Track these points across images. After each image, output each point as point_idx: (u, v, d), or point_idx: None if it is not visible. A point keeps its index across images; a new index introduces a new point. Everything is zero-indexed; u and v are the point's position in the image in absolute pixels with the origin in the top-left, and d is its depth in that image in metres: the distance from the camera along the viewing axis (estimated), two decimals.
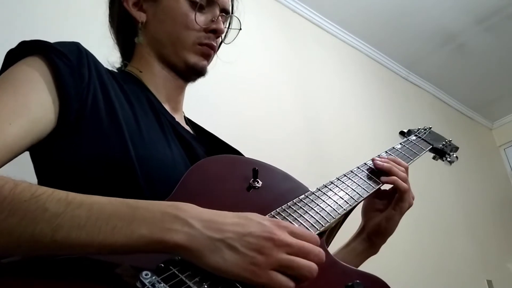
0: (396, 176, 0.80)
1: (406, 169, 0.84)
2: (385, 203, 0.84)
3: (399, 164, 0.83)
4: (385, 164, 0.82)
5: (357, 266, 0.82)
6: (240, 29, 0.89)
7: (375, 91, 2.61)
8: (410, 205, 0.83)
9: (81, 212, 0.45)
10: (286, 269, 0.49)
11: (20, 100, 0.56)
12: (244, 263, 0.47)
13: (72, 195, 0.47)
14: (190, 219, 0.48)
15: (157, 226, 0.46)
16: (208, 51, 0.80)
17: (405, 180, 0.81)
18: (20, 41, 0.64)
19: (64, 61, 0.61)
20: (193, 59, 0.79)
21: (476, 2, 2.43)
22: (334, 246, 0.83)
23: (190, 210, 0.49)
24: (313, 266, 0.50)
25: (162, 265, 0.47)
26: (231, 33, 0.89)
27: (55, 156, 0.61)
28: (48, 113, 0.58)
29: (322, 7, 2.41)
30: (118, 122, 0.63)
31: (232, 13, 0.87)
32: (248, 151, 0.84)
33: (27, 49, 0.62)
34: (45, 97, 0.58)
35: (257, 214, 0.52)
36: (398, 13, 2.48)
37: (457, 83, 3.09)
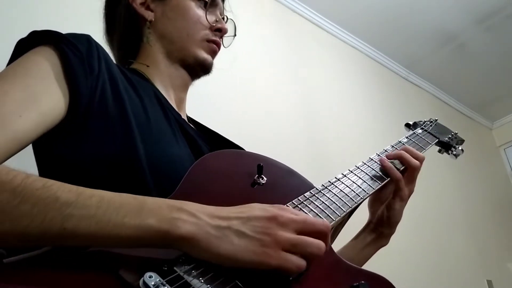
0: (406, 161, 0.82)
1: (421, 159, 0.85)
2: (387, 193, 0.85)
3: (412, 153, 0.84)
4: (392, 153, 0.84)
5: (369, 256, 0.85)
6: (235, 35, 0.93)
7: (375, 91, 2.61)
8: (410, 193, 0.84)
9: (92, 202, 0.45)
10: (295, 248, 0.50)
11: (30, 91, 0.55)
12: (254, 246, 0.47)
13: (81, 188, 0.47)
14: (196, 211, 0.48)
15: (165, 217, 0.47)
16: (215, 48, 0.85)
17: (415, 168, 0.82)
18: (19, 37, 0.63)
19: (75, 52, 0.61)
20: (202, 54, 0.83)
21: (476, 2, 2.43)
22: (339, 245, 0.83)
23: (194, 204, 0.50)
24: (321, 243, 0.52)
25: (166, 267, 0.46)
26: (227, 38, 0.92)
27: (61, 149, 0.60)
28: (58, 105, 0.57)
29: (322, 7, 2.40)
30: (126, 116, 0.63)
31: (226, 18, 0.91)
32: (248, 150, 0.84)
33: (37, 39, 0.61)
34: (55, 89, 0.58)
35: (258, 203, 0.53)
36: (398, 13, 2.48)
37: (457, 83, 3.09)
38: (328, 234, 0.54)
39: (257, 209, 0.51)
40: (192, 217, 0.47)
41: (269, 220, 0.49)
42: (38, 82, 0.56)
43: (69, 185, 0.47)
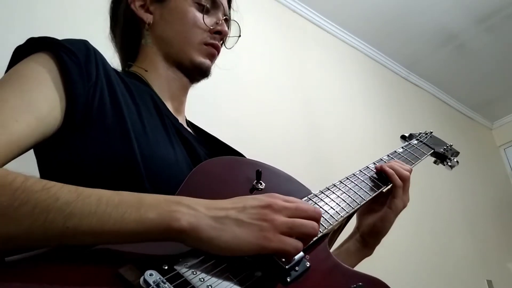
0: (398, 172, 0.82)
1: (409, 171, 0.85)
2: (380, 204, 0.84)
3: (397, 171, 0.84)
4: (386, 165, 0.84)
5: (352, 267, 0.83)
6: (240, 36, 0.92)
7: (375, 91, 2.61)
8: (404, 206, 0.84)
9: (92, 201, 0.46)
10: (292, 230, 0.52)
11: (26, 97, 0.55)
12: (253, 231, 0.50)
13: (81, 188, 0.48)
14: (193, 204, 0.50)
15: (164, 210, 0.48)
16: (213, 51, 0.83)
17: (406, 178, 0.83)
18: (19, 41, 0.64)
19: (72, 59, 0.61)
20: (199, 58, 0.82)
21: (476, 2, 2.43)
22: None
23: (190, 198, 0.52)
24: (315, 223, 0.55)
25: (166, 266, 0.48)
26: (231, 39, 0.91)
27: (60, 156, 0.61)
28: (55, 111, 0.58)
29: (322, 7, 2.40)
30: (124, 122, 0.63)
31: (229, 19, 0.90)
32: (248, 152, 0.84)
33: (35, 46, 0.62)
34: (52, 95, 0.58)
35: (249, 195, 0.56)
36: (398, 13, 2.48)
37: (457, 83, 3.09)
38: (320, 220, 0.57)
39: (250, 199, 0.54)
40: (190, 209, 0.49)
41: (263, 207, 0.52)
42: (34, 88, 0.57)
43: (68, 185, 0.48)
